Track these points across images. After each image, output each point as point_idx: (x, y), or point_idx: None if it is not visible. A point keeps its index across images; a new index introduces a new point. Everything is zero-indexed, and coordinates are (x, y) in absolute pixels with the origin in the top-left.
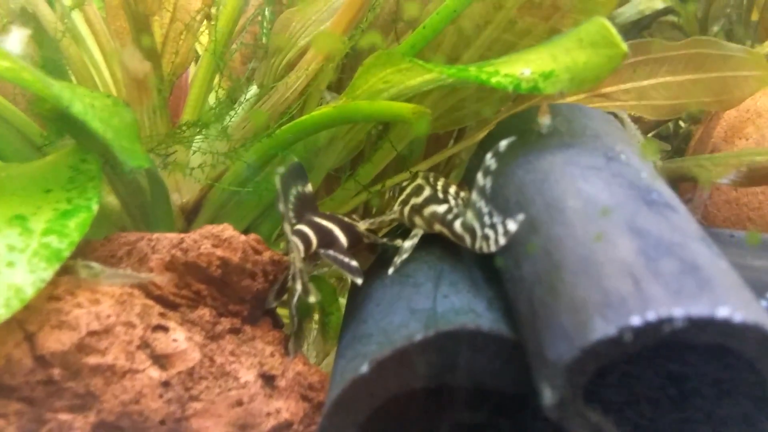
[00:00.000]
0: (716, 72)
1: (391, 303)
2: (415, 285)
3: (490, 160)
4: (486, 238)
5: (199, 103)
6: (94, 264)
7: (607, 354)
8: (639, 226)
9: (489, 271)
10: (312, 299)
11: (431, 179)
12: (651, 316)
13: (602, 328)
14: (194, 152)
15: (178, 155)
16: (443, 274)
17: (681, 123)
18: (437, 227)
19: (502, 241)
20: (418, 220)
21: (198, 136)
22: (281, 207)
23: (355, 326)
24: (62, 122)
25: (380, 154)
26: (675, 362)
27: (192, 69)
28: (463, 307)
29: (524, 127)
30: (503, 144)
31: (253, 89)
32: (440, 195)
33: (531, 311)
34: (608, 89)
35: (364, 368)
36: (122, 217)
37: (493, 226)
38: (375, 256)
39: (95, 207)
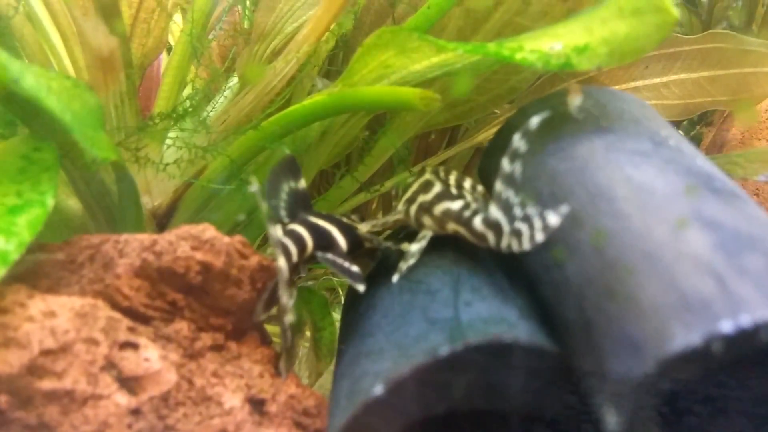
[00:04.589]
0: (735, 68)
1: (403, 313)
2: (430, 292)
3: (518, 141)
4: (516, 234)
5: (173, 92)
6: None
7: (687, 368)
8: (709, 217)
9: (515, 275)
10: (288, 318)
11: (441, 173)
12: (745, 320)
13: (683, 337)
14: (168, 147)
15: (149, 150)
16: (461, 279)
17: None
18: (451, 226)
19: (539, 237)
20: (427, 220)
21: (173, 129)
22: (265, 204)
23: (359, 341)
24: (10, 105)
25: (375, 153)
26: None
27: (166, 58)
28: (492, 315)
29: (551, 111)
30: (535, 121)
31: (235, 80)
32: (453, 190)
33: (582, 319)
34: (617, 87)
35: (378, 389)
36: (85, 222)
37: (526, 220)
38: (375, 263)
39: (50, 202)
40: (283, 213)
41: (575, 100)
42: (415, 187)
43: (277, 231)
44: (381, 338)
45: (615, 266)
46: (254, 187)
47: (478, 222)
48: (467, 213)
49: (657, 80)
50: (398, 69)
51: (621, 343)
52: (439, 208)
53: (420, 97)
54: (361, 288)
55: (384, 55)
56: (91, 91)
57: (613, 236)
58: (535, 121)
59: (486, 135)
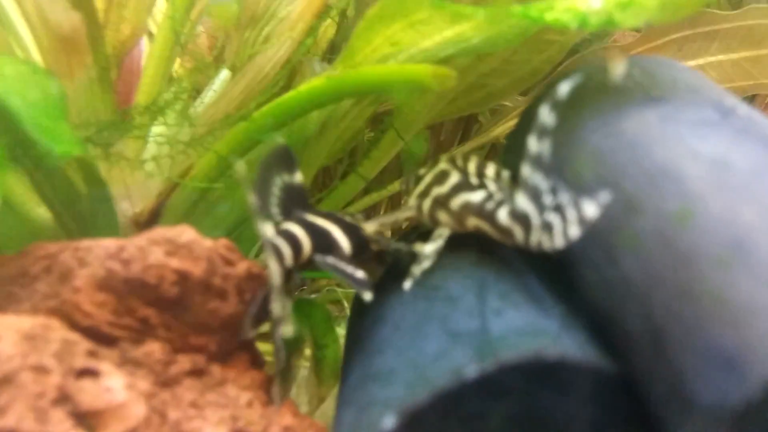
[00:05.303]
0: None
1: (418, 325)
2: (449, 299)
3: (547, 115)
4: (548, 227)
5: (155, 84)
6: None
7: None
8: None
9: (551, 276)
10: (288, 330)
11: (459, 161)
12: None
13: None
14: (147, 143)
15: (127, 148)
16: (487, 283)
17: None
18: (472, 222)
19: (574, 231)
20: (443, 215)
21: (155, 124)
22: (253, 197)
23: (367, 360)
24: None
25: (382, 146)
26: None
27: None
28: (527, 325)
29: (587, 83)
30: (564, 89)
31: (224, 72)
32: (473, 180)
33: (650, 328)
34: None
35: (389, 422)
36: (57, 233)
37: (559, 209)
38: (384, 268)
39: None
40: (275, 210)
41: (618, 68)
42: (428, 178)
43: (267, 230)
44: (392, 356)
45: (693, 260)
46: (240, 169)
47: (503, 215)
48: (490, 205)
49: (692, 63)
50: (406, 46)
51: (709, 358)
52: (457, 201)
53: (433, 75)
54: (367, 296)
55: (390, 29)
56: (53, 78)
57: (686, 223)
58: (564, 89)
59: (503, 129)
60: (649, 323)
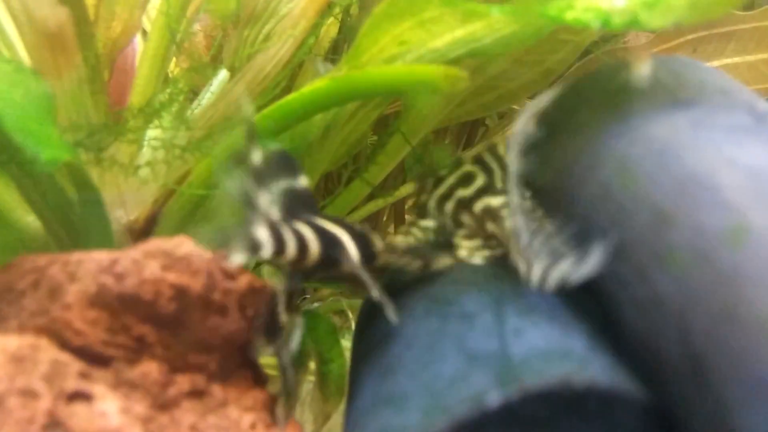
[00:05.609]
0: None
1: (432, 344)
2: (465, 316)
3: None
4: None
5: (150, 85)
6: None
7: None
8: None
9: (573, 292)
10: (294, 341)
11: (488, 160)
12: None
13: None
14: (142, 147)
15: (120, 153)
16: (504, 299)
17: None
18: (490, 226)
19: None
20: (466, 218)
21: (150, 127)
22: (243, 193)
23: (378, 380)
24: None
25: (389, 151)
26: None
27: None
28: (552, 347)
29: (607, 86)
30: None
31: (222, 73)
32: (498, 183)
33: (689, 354)
34: None
35: None
36: (47, 243)
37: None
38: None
39: None
40: (277, 214)
41: (643, 69)
42: (451, 180)
43: (260, 230)
44: (405, 378)
45: (737, 280)
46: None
47: (509, 224)
48: (504, 212)
49: (707, 65)
50: (415, 46)
51: (758, 390)
52: (479, 205)
53: (445, 76)
54: (392, 316)
55: (398, 28)
56: (39, 78)
57: (739, 240)
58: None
59: (509, 134)
60: (687, 348)
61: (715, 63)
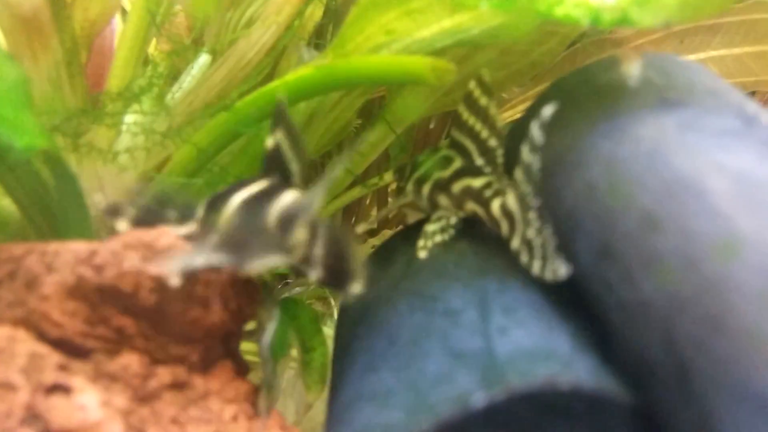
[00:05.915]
0: None
1: (415, 340)
2: (449, 313)
3: (536, 131)
4: (528, 245)
5: (129, 68)
6: None
7: None
8: None
9: (559, 290)
10: (269, 333)
11: (460, 139)
12: None
13: None
14: (120, 133)
15: (98, 138)
16: (489, 296)
17: None
18: (470, 206)
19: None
20: (443, 199)
21: (128, 112)
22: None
23: (360, 376)
24: None
25: (372, 140)
26: None
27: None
28: (537, 347)
29: (595, 84)
30: (548, 112)
31: (204, 57)
32: (479, 161)
33: (673, 359)
34: None
35: None
36: (24, 229)
37: (539, 243)
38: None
39: None
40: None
41: (633, 68)
42: (428, 164)
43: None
44: (388, 375)
45: (721, 286)
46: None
47: (496, 206)
48: (488, 192)
49: (692, 57)
50: (401, 36)
51: (742, 400)
52: (458, 186)
53: (432, 68)
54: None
55: (384, 17)
56: (14, 62)
57: (731, 253)
58: (548, 111)
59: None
60: (672, 354)
61: (702, 55)
